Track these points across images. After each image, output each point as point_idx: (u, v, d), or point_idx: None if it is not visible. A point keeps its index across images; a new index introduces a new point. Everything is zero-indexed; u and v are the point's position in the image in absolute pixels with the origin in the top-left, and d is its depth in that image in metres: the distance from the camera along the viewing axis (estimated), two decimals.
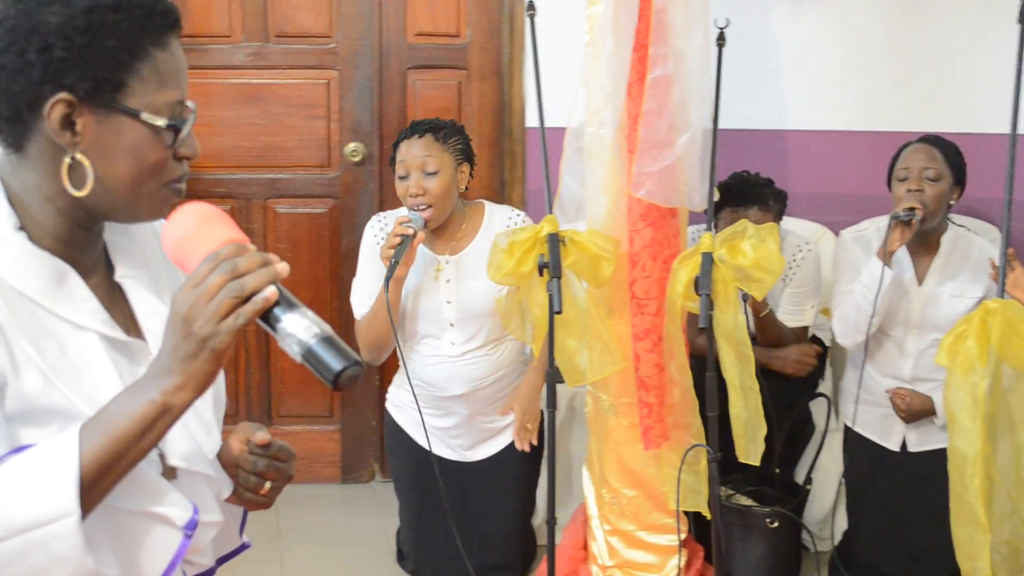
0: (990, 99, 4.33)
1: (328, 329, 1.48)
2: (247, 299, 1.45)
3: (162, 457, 1.66)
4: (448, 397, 3.95)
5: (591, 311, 3.59)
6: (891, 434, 4.04)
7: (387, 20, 4.88)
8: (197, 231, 1.54)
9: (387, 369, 4.93)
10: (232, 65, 4.85)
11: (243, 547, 1.90)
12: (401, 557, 4.28)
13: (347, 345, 1.47)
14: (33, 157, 1.59)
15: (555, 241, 3.48)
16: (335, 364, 1.45)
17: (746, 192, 4.08)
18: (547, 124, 3.73)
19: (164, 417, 1.47)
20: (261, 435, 1.76)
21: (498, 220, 3.92)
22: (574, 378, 3.65)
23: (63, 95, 1.55)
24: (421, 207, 3.79)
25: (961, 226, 4.06)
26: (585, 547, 3.99)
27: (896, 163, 3.99)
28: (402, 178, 3.85)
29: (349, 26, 4.87)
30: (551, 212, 3.61)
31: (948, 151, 3.94)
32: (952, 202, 3.94)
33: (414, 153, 3.83)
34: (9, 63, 1.55)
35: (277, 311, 1.47)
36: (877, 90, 4.84)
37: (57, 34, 1.54)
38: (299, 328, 1.46)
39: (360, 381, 1.48)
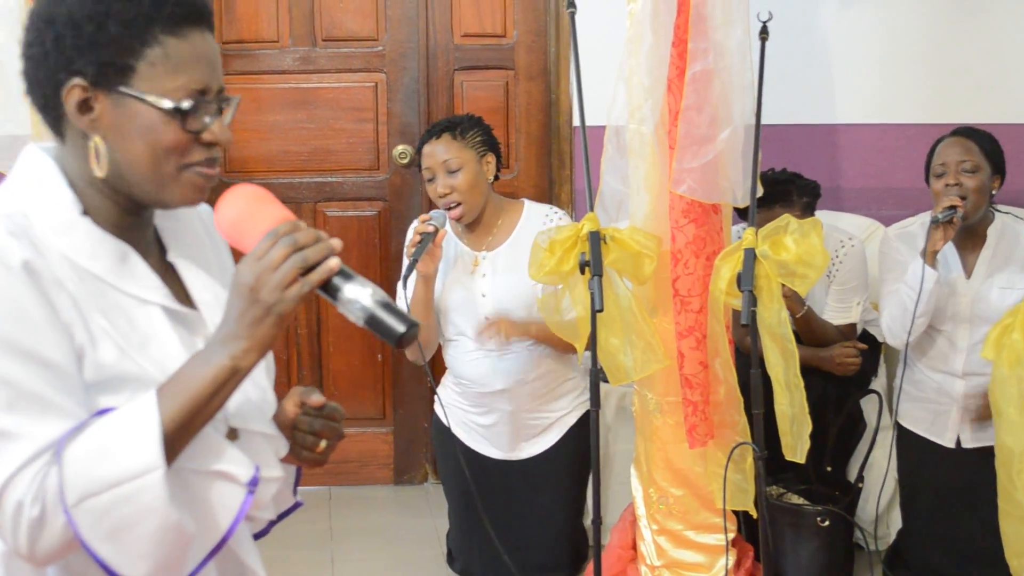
0: None
1: (385, 295, 1.62)
2: (309, 269, 1.58)
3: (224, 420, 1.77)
4: (490, 393, 3.96)
5: (633, 309, 3.56)
6: (945, 431, 3.97)
7: (433, 22, 4.89)
8: (253, 210, 1.66)
9: (438, 371, 4.93)
10: (280, 70, 4.88)
11: (297, 505, 2.00)
12: (451, 558, 4.28)
13: (401, 308, 1.63)
14: (70, 143, 1.71)
15: (596, 239, 3.46)
16: (399, 326, 1.59)
17: (765, 192, 4.00)
18: (593, 122, 3.72)
19: (233, 378, 1.61)
20: (316, 397, 1.89)
21: (535, 218, 3.95)
22: (617, 376, 3.63)
23: (76, 80, 1.65)
24: (452, 205, 3.83)
25: (1008, 213, 3.98)
26: (634, 547, 3.96)
27: (932, 159, 3.93)
28: (430, 181, 3.90)
29: (396, 28, 4.89)
30: (592, 210, 3.60)
31: (983, 141, 3.87)
32: (994, 191, 3.87)
33: (435, 154, 3.89)
34: (34, 53, 1.68)
35: (337, 280, 1.60)
36: (928, 82, 4.78)
37: (67, 23, 1.64)
38: (361, 295, 1.59)
39: (415, 340, 1.64)
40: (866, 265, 4.20)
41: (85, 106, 1.66)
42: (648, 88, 3.59)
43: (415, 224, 4.06)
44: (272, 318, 1.58)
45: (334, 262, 1.58)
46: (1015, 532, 3.32)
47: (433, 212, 3.85)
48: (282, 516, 1.99)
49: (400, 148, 4.91)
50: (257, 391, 1.80)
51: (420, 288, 3.85)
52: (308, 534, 4.49)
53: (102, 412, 1.60)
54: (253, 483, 1.69)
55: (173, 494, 1.57)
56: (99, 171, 1.67)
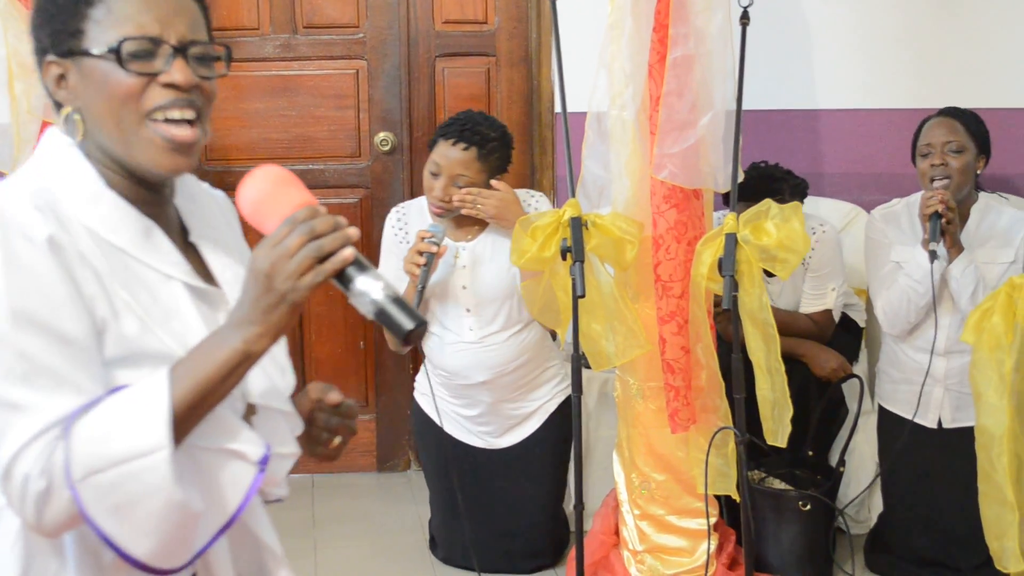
0: None
1: (397, 290, 1.62)
2: (324, 258, 1.58)
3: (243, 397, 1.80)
4: (470, 385, 3.96)
5: (615, 295, 3.57)
6: (927, 411, 3.98)
7: (415, 8, 4.88)
8: (274, 193, 1.66)
9: (419, 359, 4.94)
10: (261, 57, 4.86)
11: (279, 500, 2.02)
12: (434, 545, 4.29)
13: (411, 306, 1.62)
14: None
15: (577, 225, 3.47)
16: (407, 322, 1.60)
17: (759, 186, 4.01)
18: (575, 109, 3.71)
19: (245, 362, 1.62)
20: (334, 396, 1.90)
21: None
22: (599, 362, 3.63)
23: (47, 57, 1.73)
24: (441, 208, 3.81)
25: (994, 194, 4.00)
26: (616, 532, 3.97)
27: (918, 139, 3.97)
28: (434, 175, 3.85)
29: (377, 15, 4.87)
30: (574, 196, 3.60)
31: (969, 121, 3.92)
32: (979, 171, 3.91)
33: (452, 162, 3.83)
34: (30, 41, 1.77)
35: (351, 271, 1.60)
36: (910, 67, 4.78)
37: (37, 5, 1.74)
38: (373, 288, 1.60)
39: (423, 338, 1.60)
40: (840, 251, 4.22)
41: (62, 80, 1.72)
42: (629, 74, 3.59)
43: (391, 216, 4.06)
44: (285, 305, 1.59)
45: (348, 252, 1.58)
46: (995, 515, 3.34)
47: (431, 228, 3.80)
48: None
49: (382, 135, 4.90)
50: (276, 369, 1.82)
51: (409, 291, 3.83)
52: (291, 521, 4.48)
53: (117, 390, 1.62)
54: (263, 462, 1.70)
55: (180, 472, 1.58)
56: (77, 137, 1.72)
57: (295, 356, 4.98)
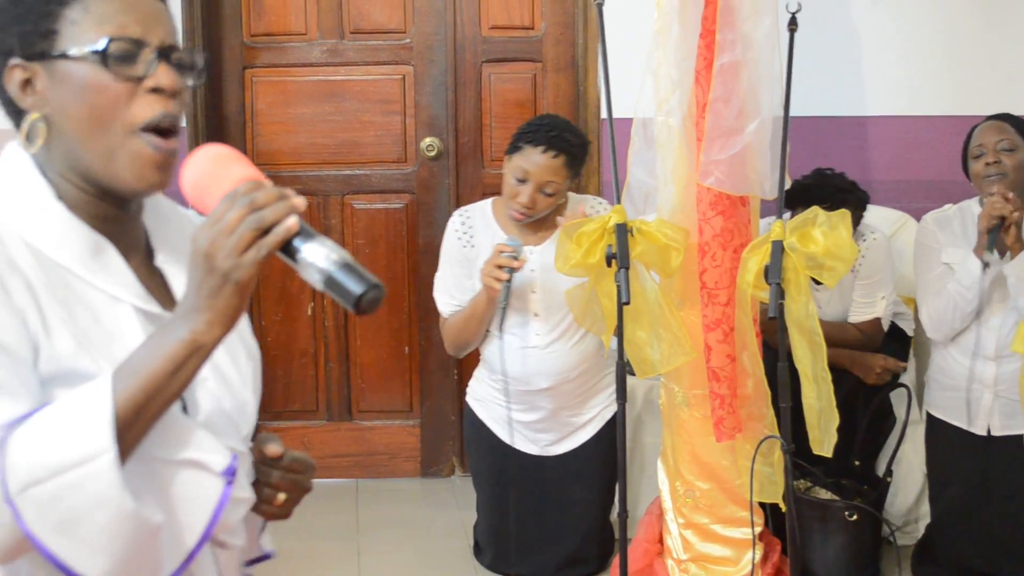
0: None
1: (348, 256, 1.48)
2: (267, 231, 1.45)
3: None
4: (533, 391, 3.96)
5: (661, 302, 3.55)
6: (976, 419, 3.93)
7: (461, 14, 4.89)
8: (214, 171, 1.54)
9: (465, 364, 4.94)
10: (308, 62, 4.89)
11: (265, 556, 1.88)
12: (478, 550, 4.28)
13: (367, 270, 1.47)
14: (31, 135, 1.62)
15: (623, 231, 3.45)
16: (356, 288, 1.45)
17: (822, 195, 3.94)
18: (621, 114, 3.70)
19: (195, 355, 1.48)
20: (273, 447, 1.75)
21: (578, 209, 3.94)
22: (644, 369, 3.62)
23: (12, 61, 1.59)
24: (522, 213, 3.84)
25: None
26: (660, 541, 3.95)
27: (969, 144, 3.94)
28: (520, 180, 3.84)
29: (423, 21, 4.89)
30: (619, 202, 3.59)
31: (1019, 124, 3.91)
32: None
33: (541, 169, 3.83)
34: None
35: (296, 242, 1.47)
36: (957, 73, 4.74)
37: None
38: (319, 256, 1.46)
39: (380, 304, 1.48)
40: (891, 258, 4.18)
41: (28, 86, 1.60)
42: (676, 80, 3.57)
43: (454, 219, 4.05)
44: (230, 286, 1.45)
45: (292, 221, 1.45)
46: None
47: (509, 241, 3.82)
48: (252, 562, 1.86)
49: (428, 140, 4.91)
50: (233, 402, 1.68)
51: (483, 301, 3.86)
52: (335, 526, 4.49)
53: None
54: (230, 472, 1.57)
55: (132, 482, 1.45)
56: (31, 148, 1.60)
57: (340, 362, 5.03)
